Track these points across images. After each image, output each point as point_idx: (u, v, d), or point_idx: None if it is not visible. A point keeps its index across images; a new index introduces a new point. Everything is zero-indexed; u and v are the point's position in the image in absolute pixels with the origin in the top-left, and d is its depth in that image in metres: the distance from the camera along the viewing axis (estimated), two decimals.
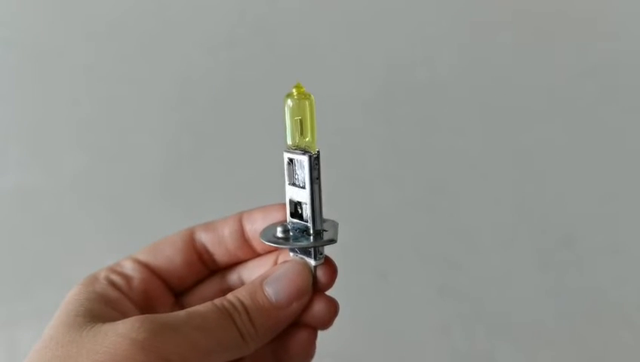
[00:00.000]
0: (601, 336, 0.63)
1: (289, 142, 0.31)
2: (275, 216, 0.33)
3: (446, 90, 0.64)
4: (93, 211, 0.66)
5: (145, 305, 0.33)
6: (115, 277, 0.33)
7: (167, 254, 0.34)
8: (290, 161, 0.31)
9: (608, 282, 0.64)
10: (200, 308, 0.29)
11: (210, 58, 0.66)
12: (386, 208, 0.65)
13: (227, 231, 0.34)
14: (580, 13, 0.64)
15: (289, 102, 0.31)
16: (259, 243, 0.34)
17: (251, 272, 0.35)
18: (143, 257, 0.34)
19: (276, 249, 0.34)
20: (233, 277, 0.35)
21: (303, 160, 0.31)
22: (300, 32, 0.66)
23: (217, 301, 0.30)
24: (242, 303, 0.30)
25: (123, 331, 0.27)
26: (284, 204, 0.32)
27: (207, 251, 0.35)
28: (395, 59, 0.65)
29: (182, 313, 0.29)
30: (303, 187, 0.31)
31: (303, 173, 0.31)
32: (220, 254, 0.35)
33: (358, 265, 0.64)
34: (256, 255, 0.35)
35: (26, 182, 0.66)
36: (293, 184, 0.31)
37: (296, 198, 0.32)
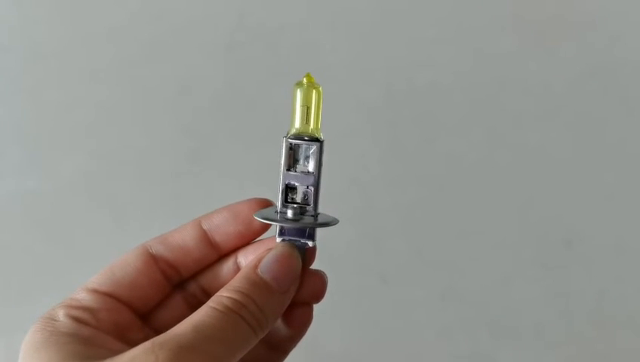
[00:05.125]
0: (604, 339, 0.64)
1: (295, 129, 0.32)
2: (242, 212, 0.33)
3: (448, 94, 0.65)
4: (94, 215, 0.66)
5: (117, 334, 0.31)
6: (78, 313, 0.30)
7: (129, 279, 0.32)
8: (291, 147, 0.32)
9: (611, 283, 0.64)
10: (202, 317, 0.28)
11: (210, 62, 0.65)
12: (387, 211, 0.65)
13: (190, 240, 0.33)
14: (581, 16, 0.65)
15: (298, 90, 0.32)
16: (225, 245, 0.34)
17: (216, 273, 0.34)
18: (102, 286, 0.32)
19: (244, 243, 0.34)
20: (197, 283, 0.35)
21: (313, 146, 0.32)
22: (301, 36, 0.65)
23: (216, 304, 0.29)
24: (247, 296, 0.29)
25: None
26: (251, 201, 0.33)
27: (170, 265, 0.33)
28: (397, 63, 0.65)
29: (187, 328, 0.27)
30: (305, 172, 0.32)
31: (309, 159, 0.32)
32: (186, 266, 0.34)
33: (358, 268, 0.64)
34: (219, 257, 0.34)
35: (26, 186, 0.66)
36: (289, 170, 0.33)
37: (294, 183, 0.33)
